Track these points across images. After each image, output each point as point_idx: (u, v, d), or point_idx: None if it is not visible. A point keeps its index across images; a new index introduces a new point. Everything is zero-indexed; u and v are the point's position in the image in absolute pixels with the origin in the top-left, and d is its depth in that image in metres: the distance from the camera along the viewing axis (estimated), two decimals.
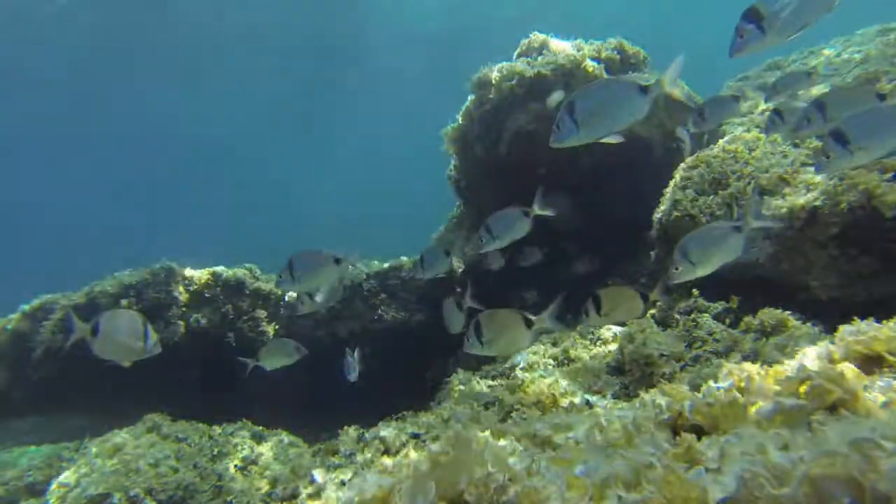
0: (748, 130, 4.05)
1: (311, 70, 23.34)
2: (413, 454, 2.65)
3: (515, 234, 3.30)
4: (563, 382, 3.15)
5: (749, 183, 3.50)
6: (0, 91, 18.71)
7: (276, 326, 5.19)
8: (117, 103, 22.35)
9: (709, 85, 6.23)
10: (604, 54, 4.73)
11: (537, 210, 3.23)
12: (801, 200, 3.14)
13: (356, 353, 3.87)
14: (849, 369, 1.28)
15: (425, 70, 23.43)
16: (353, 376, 3.87)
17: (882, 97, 2.56)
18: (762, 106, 4.76)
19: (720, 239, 2.36)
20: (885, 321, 1.66)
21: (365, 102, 27.21)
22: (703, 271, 2.42)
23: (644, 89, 2.32)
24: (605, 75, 4.53)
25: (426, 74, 23.34)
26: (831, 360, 1.45)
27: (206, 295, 5.12)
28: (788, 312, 3.03)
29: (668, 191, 3.96)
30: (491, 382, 3.68)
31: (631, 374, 3.16)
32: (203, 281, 5.13)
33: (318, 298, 4.41)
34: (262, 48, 21.02)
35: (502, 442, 1.78)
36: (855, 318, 1.66)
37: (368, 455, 3.17)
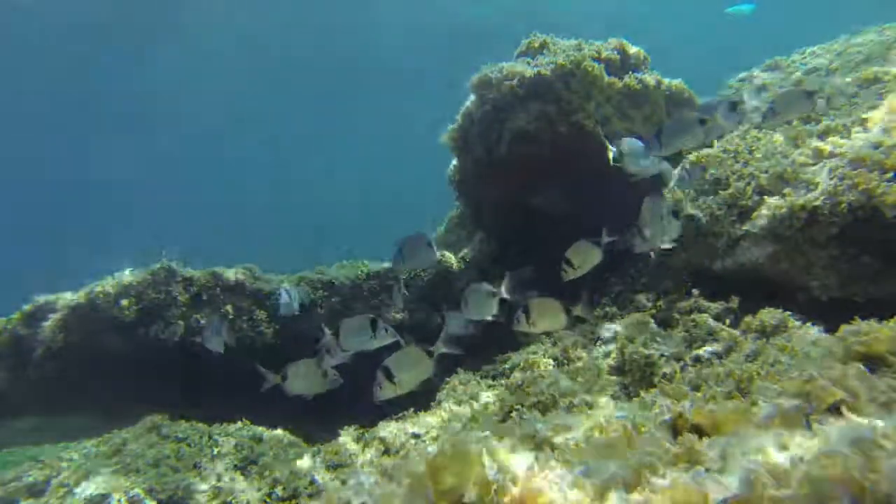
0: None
1: (311, 68, 23.35)
2: (413, 453, 2.65)
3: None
4: None
5: (749, 183, 3.50)
6: None
7: (276, 327, 5.18)
8: (115, 101, 22.36)
9: (709, 85, 6.22)
10: (604, 54, 4.73)
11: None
12: (801, 200, 3.14)
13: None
14: (851, 369, 1.28)
15: (425, 70, 23.42)
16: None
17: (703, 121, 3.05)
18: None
19: (416, 362, 2.74)
20: (885, 321, 1.66)
21: (365, 102, 27.20)
22: (401, 390, 2.74)
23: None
24: (605, 76, 4.53)
25: (426, 74, 23.34)
26: (833, 360, 1.45)
27: (206, 295, 5.11)
28: (788, 312, 3.03)
29: (668, 191, 3.96)
30: (491, 382, 3.68)
31: (631, 375, 3.16)
32: (203, 281, 5.13)
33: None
34: (262, 48, 21.03)
35: (503, 442, 1.78)
36: (856, 317, 1.66)
37: (368, 455, 3.17)
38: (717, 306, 3.46)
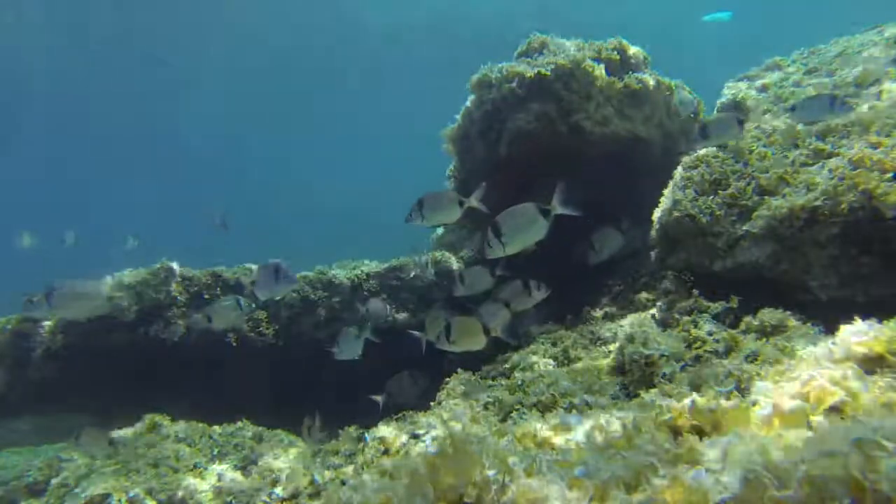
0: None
1: (309, 66, 23.36)
2: (413, 453, 2.65)
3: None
4: None
5: (749, 183, 3.50)
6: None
7: (276, 327, 5.18)
8: (117, 103, 22.39)
9: (709, 85, 6.23)
10: (604, 54, 4.73)
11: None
12: (801, 200, 3.14)
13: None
14: (851, 370, 1.28)
15: (425, 69, 23.42)
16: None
17: (545, 213, 3.12)
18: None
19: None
20: (885, 321, 1.66)
21: (364, 101, 27.20)
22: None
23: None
24: (605, 76, 4.53)
25: (426, 73, 23.35)
26: (833, 361, 1.45)
27: (206, 295, 5.12)
28: (788, 312, 3.03)
29: (668, 191, 3.96)
30: (491, 382, 3.68)
31: (631, 375, 3.16)
32: (203, 281, 5.13)
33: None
34: (257, 45, 21.04)
35: (502, 442, 1.78)
36: (856, 317, 1.65)
37: (368, 455, 3.16)
38: (717, 306, 3.45)
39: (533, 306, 4.04)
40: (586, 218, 3.25)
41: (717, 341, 3.11)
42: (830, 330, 2.67)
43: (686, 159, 3.93)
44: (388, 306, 4.87)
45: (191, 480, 3.46)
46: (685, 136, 5.00)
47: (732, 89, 6.29)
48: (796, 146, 3.57)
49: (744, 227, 3.41)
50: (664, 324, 3.61)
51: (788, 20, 22.56)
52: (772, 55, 6.34)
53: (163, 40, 19.31)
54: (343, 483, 3.01)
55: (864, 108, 3.66)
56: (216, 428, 3.98)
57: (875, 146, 3.08)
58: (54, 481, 3.52)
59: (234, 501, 3.37)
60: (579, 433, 1.78)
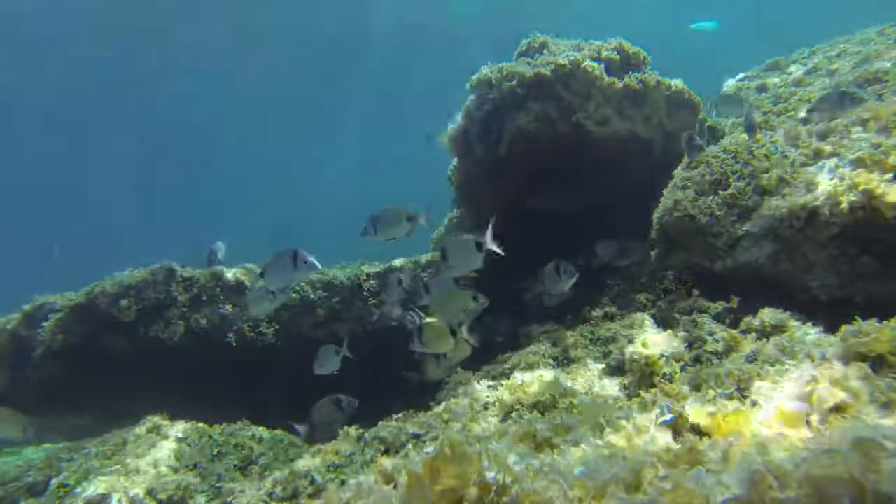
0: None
1: (311, 67, 23.35)
2: (413, 454, 2.65)
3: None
4: None
5: (749, 183, 3.50)
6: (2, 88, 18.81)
7: (276, 327, 5.18)
8: (121, 101, 22.40)
9: (709, 84, 6.22)
10: (604, 54, 4.73)
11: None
12: (801, 200, 3.14)
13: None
14: (851, 370, 1.28)
15: (425, 68, 23.42)
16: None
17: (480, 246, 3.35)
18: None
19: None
20: (885, 321, 1.66)
21: (364, 100, 27.20)
22: None
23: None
24: (605, 76, 4.53)
25: (426, 73, 23.35)
26: (833, 361, 1.45)
27: (206, 295, 5.11)
28: (788, 313, 3.03)
29: (668, 191, 3.96)
30: (491, 382, 3.68)
31: (631, 375, 3.16)
32: (203, 281, 5.13)
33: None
34: (268, 44, 21.05)
35: (502, 443, 1.78)
36: (857, 317, 1.65)
37: (368, 455, 3.17)
38: (717, 306, 3.45)
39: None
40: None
41: (717, 341, 3.11)
42: (830, 330, 2.67)
43: (687, 159, 3.94)
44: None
45: (191, 480, 3.46)
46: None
47: (731, 89, 6.29)
48: (796, 146, 3.57)
49: (744, 227, 3.41)
50: (664, 324, 3.61)
51: (788, 20, 22.56)
52: (772, 55, 6.34)
53: (159, 36, 19.27)
54: (343, 483, 3.01)
55: (865, 108, 3.66)
56: (216, 428, 3.98)
57: (876, 146, 3.08)
58: (54, 481, 3.52)
59: (233, 501, 3.37)
60: (579, 433, 1.78)
